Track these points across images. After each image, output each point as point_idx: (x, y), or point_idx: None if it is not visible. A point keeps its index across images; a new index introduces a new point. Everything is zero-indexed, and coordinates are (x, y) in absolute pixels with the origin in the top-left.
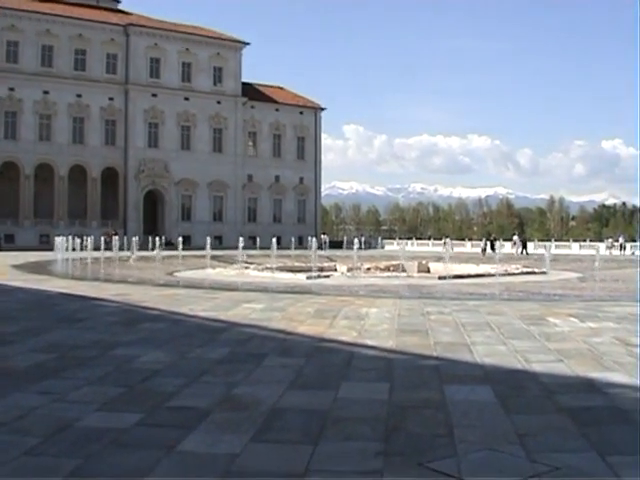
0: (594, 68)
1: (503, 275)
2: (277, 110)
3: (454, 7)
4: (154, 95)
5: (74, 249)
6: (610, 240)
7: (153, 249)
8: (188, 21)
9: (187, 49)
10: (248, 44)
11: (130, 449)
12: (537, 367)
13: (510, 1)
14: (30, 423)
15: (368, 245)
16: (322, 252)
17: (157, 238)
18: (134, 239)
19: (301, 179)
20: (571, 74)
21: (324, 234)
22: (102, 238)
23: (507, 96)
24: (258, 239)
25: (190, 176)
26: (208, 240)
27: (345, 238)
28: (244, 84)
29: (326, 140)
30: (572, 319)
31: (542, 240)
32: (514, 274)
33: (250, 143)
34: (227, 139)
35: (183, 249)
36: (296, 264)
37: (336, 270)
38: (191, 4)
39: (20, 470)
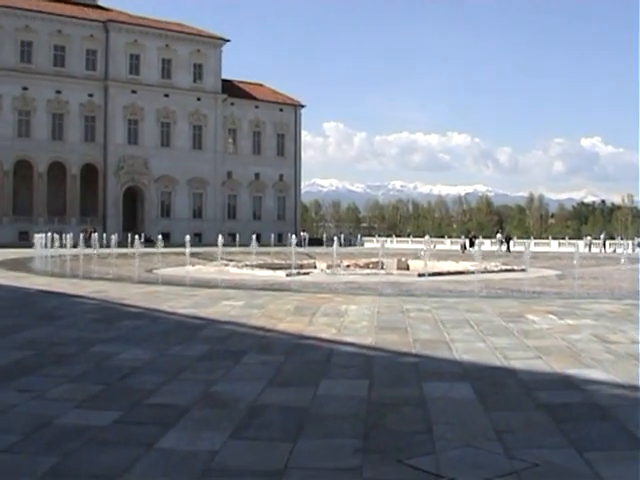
0: (574, 66)
1: (482, 272)
2: (257, 107)
3: (434, 5)
4: (134, 92)
5: (53, 246)
6: (589, 238)
7: (132, 246)
8: (168, 17)
9: (167, 45)
10: (228, 41)
11: (109, 447)
12: (516, 364)
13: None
14: (9, 421)
15: (348, 242)
16: (302, 249)
17: (136, 235)
18: (113, 236)
19: (281, 176)
20: (551, 72)
21: (304, 231)
22: (81, 235)
23: (487, 94)
24: (238, 236)
25: (170, 173)
26: (187, 238)
27: (325, 235)
28: (224, 81)
29: (306, 137)
30: (551, 316)
31: (521, 238)
32: (493, 271)
33: (230, 140)
34: (207, 136)
35: (163, 246)
36: (276, 261)
37: (316, 267)
38: (171, 0)
39: None
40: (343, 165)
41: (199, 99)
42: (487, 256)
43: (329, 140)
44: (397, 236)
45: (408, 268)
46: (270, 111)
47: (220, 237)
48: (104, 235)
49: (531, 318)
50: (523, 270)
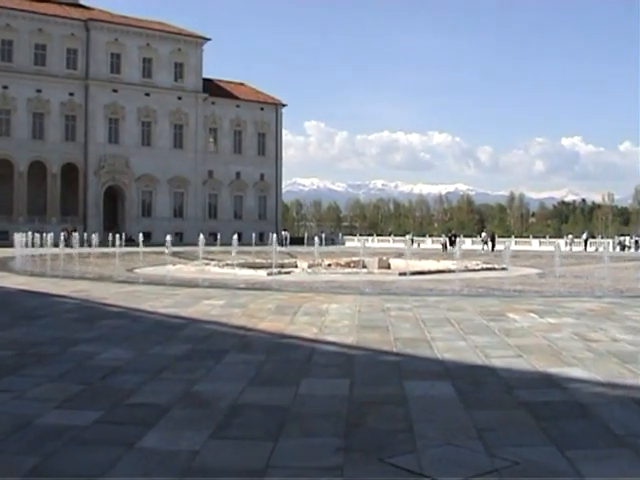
0: (555, 67)
1: (463, 271)
2: (238, 106)
3: (415, 4)
4: (114, 90)
5: (34, 245)
6: (570, 236)
7: (113, 245)
8: (149, 16)
9: (148, 44)
10: (209, 40)
11: (90, 447)
12: (497, 362)
13: None
14: None
15: (329, 241)
16: (283, 248)
17: (117, 234)
18: (94, 235)
19: (262, 175)
20: (531, 72)
21: (285, 230)
22: (61, 234)
23: (468, 93)
24: (219, 235)
25: (150, 172)
26: (168, 237)
27: (306, 234)
28: (205, 80)
29: (287, 136)
30: (532, 315)
31: (502, 236)
32: (474, 270)
33: (211, 139)
34: (188, 135)
35: (143, 245)
36: (257, 260)
37: (297, 266)
38: None
39: None
40: (324, 164)
41: (180, 98)
42: (471, 255)
43: (310, 139)
44: (378, 235)
45: (389, 267)
46: (251, 110)
47: (201, 236)
48: (85, 234)
49: (512, 317)
50: (504, 269)
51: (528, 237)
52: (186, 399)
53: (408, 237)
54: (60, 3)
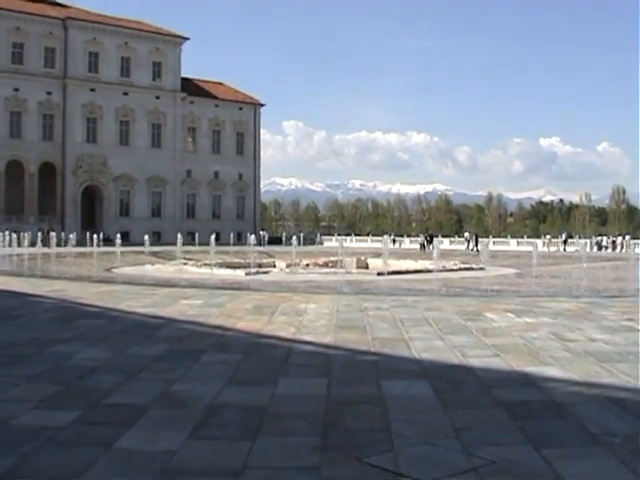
0: (533, 67)
1: (441, 271)
2: (216, 106)
3: (393, 6)
4: (92, 90)
5: (11, 245)
6: (548, 237)
7: (91, 245)
8: (128, 15)
9: (126, 43)
10: (188, 39)
11: (67, 447)
12: (474, 362)
13: (448, 0)
14: None
15: (307, 241)
16: (261, 248)
17: (95, 234)
18: (72, 235)
19: (240, 175)
20: (509, 73)
21: (263, 230)
22: (39, 234)
23: (446, 93)
24: (197, 235)
25: (128, 171)
26: (146, 237)
27: (284, 234)
28: (183, 79)
29: (265, 136)
30: (509, 314)
31: (480, 236)
32: (452, 270)
33: (189, 139)
34: (166, 134)
35: (122, 245)
36: (235, 260)
37: (275, 266)
38: None
39: None
40: (302, 164)
41: (158, 97)
42: (450, 255)
43: (288, 139)
44: (356, 235)
45: (367, 267)
46: (229, 110)
47: (179, 236)
48: (62, 234)
49: (489, 316)
50: (482, 269)
51: (506, 237)
52: (164, 399)
53: (390, 237)
54: (38, 1)
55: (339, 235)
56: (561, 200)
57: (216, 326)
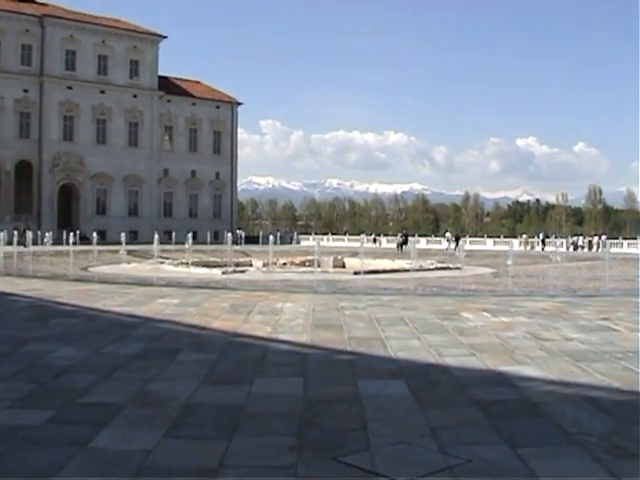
0: (509, 67)
1: (418, 270)
2: (194, 104)
3: (370, 4)
4: (69, 88)
5: None
6: (525, 236)
7: (67, 244)
8: (105, 13)
9: (103, 41)
10: (165, 37)
11: (41, 447)
12: (450, 361)
13: None
14: None
15: (285, 240)
16: (238, 247)
17: (72, 233)
18: (48, 234)
19: (217, 174)
20: (486, 73)
21: (240, 229)
22: (15, 232)
23: (423, 93)
24: (174, 234)
25: (105, 170)
26: (123, 235)
27: (261, 233)
28: (161, 78)
29: (242, 135)
30: (485, 314)
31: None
32: (429, 269)
33: (166, 137)
34: (143, 133)
35: (98, 244)
36: (212, 259)
37: (252, 265)
38: None
39: None
40: (280, 163)
41: (135, 96)
42: (426, 254)
43: (266, 138)
44: (333, 234)
45: (344, 266)
46: (207, 108)
47: (156, 235)
48: (39, 232)
49: (466, 316)
50: (458, 268)
51: (483, 237)
52: (139, 398)
53: (371, 236)
54: None
55: (316, 234)
56: (537, 200)
57: (192, 325)
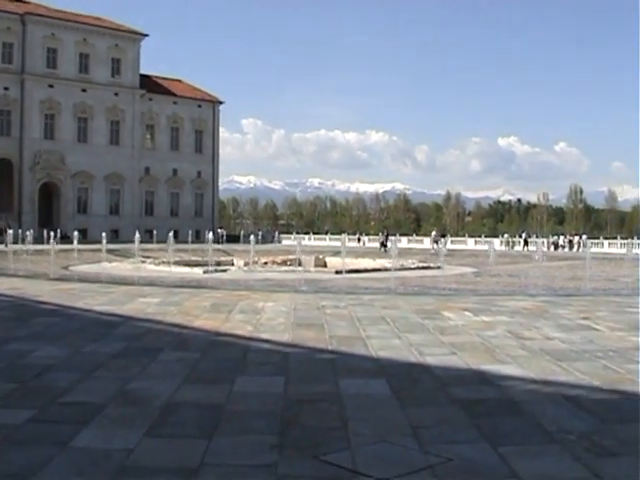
0: (490, 66)
1: (399, 270)
2: (175, 103)
3: (350, 4)
4: (51, 86)
5: None
6: (507, 235)
7: (48, 243)
8: (87, 11)
9: (85, 40)
10: (147, 35)
11: (22, 446)
12: (431, 360)
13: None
14: None
15: (267, 239)
16: (219, 246)
17: (52, 231)
18: (29, 232)
19: (199, 173)
20: (467, 72)
21: (221, 228)
22: None
23: (405, 93)
24: (155, 233)
25: (87, 169)
26: (104, 234)
27: (242, 232)
28: (142, 76)
29: (224, 134)
30: (466, 313)
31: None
32: (410, 269)
33: (148, 136)
34: (124, 132)
35: (79, 243)
36: (193, 258)
37: (233, 264)
38: None
39: None
40: (261, 162)
41: (117, 94)
42: (408, 253)
43: (247, 137)
44: (315, 233)
45: (325, 265)
46: (188, 107)
47: (137, 234)
48: (20, 231)
49: (447, 315)
50: (439, 268)
51: (464, 236)
52: (120, 397)
53: (355, 235)
54: None
55: (297, 233)
56: (519, 199)
57: (174, 324)
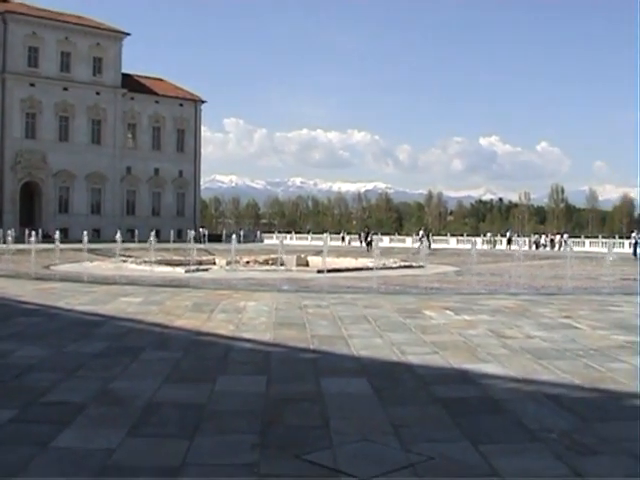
0: (472, 66)
1: (381, 269)
2: (157, 102)
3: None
4: (32, 85)
5: None
6: (489, 235)
7: (30, 242)
8: (68, 10)
9: (66, 38)
10: (129, 34)
11: (4, 446)
12: (413, 359)
13: None
14: None
15: (249, 239)
16: (201, 245)
17: (34, 231)
18: (10, 232)
19: (180, 172)
20: (449, 72)
21: (203, 227)
22: None
23: (386, 93)
24: (137, 232)
25: (68, 168)
26: (85, 233)
27: (224, 231)
28: (124, 75)
29: (206, 133)
30: (448, 312)
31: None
32: (392, 268)
33: (129, 135)
34: (106, 131)
35: (61, 242)
36: (175, 257)
37: (215, 264)
38: None
39: None
40: (243, 161)
41: (98, 93)
42: (390, 252)
43: (229, 136)
44: (297, 233)
45: (307, 264)
46: (170, 106)
47: (119, 233)
48: (0, 231)
49: (428, 314)
50: (421, 267)
51: (446, 235)
52: (102, 397)
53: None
54: None
55: (279, 233)
56: (500, 199)
57: (155, 324)
